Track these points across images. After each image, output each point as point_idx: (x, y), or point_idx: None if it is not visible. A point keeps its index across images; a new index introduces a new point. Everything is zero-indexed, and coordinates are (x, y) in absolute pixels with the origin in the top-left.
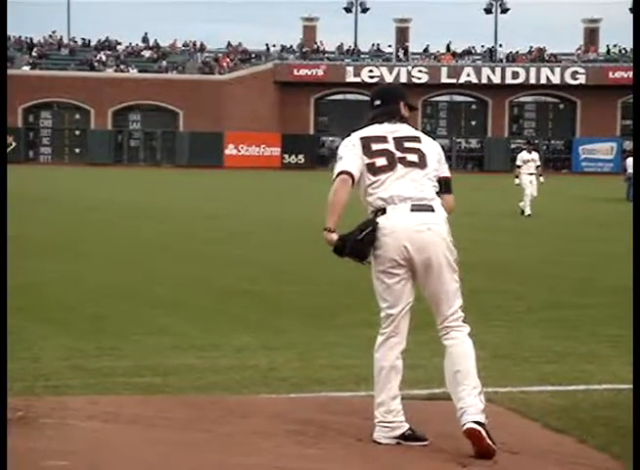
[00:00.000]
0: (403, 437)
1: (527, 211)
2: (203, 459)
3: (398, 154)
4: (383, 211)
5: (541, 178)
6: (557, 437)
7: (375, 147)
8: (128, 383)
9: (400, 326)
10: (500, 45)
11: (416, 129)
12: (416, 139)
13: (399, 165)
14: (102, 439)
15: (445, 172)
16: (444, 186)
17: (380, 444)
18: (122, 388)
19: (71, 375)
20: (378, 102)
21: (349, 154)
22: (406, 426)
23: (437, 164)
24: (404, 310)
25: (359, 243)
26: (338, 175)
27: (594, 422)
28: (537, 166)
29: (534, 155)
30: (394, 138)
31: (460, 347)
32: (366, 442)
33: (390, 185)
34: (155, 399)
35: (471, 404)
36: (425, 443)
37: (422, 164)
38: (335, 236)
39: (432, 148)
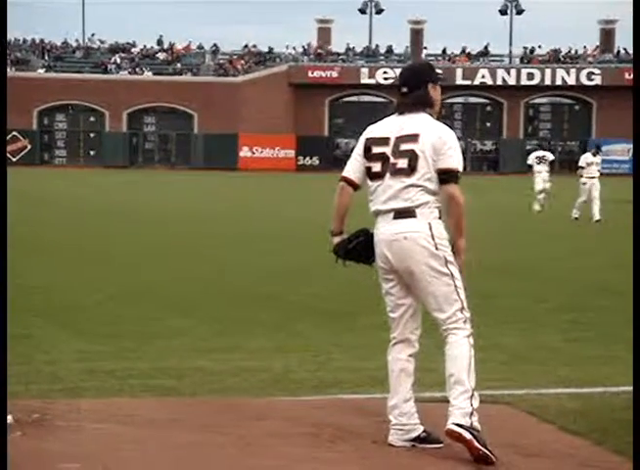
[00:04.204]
0: (418, 439)
1: (574, 215)
2: (218, 462)
3: (392, 159)
4: (376, 219)
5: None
6: (574, 440)
7: (375, 150)
8: (143, 385)
9: (406, 330)
10: (527, 48)
11: (437, 120)
12: (414, 138)
13: (387, 174)
14: (117, 441)
15: (445, 163)
16: (442, 177)
17: (395, 446)
18: (137, 390)
19: (87, 378)
20: (404, 89)
21: (354, 156)
22: (421, 428)
23: (435, 160)
24: (406, 314)
25: (351, 251)
26: (340, 180)
27: (611, 425)
28: (599, 170)
29: (598, 158)
30: (397, 138)
31: (453, 350)
32: (381, 444)
33: (379, 195)
34: (170, 402)
35: (457, 407)
36: (440, 445)
37: (410, 169)
38: (336, 239)
39: (429, 145)
